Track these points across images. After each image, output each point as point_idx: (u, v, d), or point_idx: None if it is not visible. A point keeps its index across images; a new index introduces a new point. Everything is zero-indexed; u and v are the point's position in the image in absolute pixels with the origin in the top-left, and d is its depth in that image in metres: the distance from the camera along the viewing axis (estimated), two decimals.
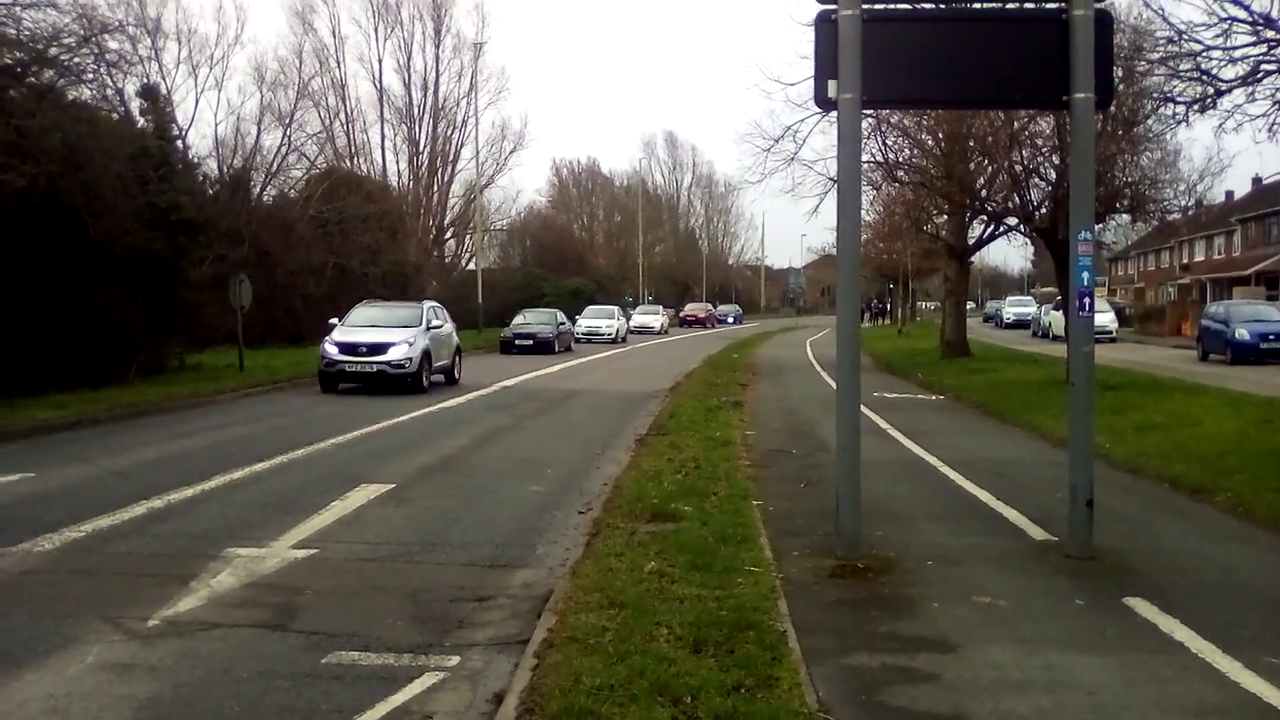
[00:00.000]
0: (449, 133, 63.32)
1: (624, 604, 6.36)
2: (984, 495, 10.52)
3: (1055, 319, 42.84)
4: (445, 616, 6.73)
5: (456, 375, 23.85)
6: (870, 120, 24.36)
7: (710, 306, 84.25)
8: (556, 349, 37.21)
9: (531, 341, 36.89)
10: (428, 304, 24.12)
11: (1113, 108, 17.90)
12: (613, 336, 46.62)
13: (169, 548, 8.45)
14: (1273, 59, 11.97)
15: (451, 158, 63.84)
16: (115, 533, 8.96)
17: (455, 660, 5.92)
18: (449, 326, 24.19)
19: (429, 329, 22.14)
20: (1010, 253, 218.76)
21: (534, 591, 7.28)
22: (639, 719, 4.76)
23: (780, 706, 4.91)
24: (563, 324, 39.94)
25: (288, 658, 5.93)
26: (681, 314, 77.53)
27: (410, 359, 20.89)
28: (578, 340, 43.67)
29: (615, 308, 51.48)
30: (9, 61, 18.60)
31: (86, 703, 5.26)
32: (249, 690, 5.43)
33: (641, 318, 60.12)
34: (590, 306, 51.56)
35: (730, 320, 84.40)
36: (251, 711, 5.18)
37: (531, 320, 39.73)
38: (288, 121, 38.47)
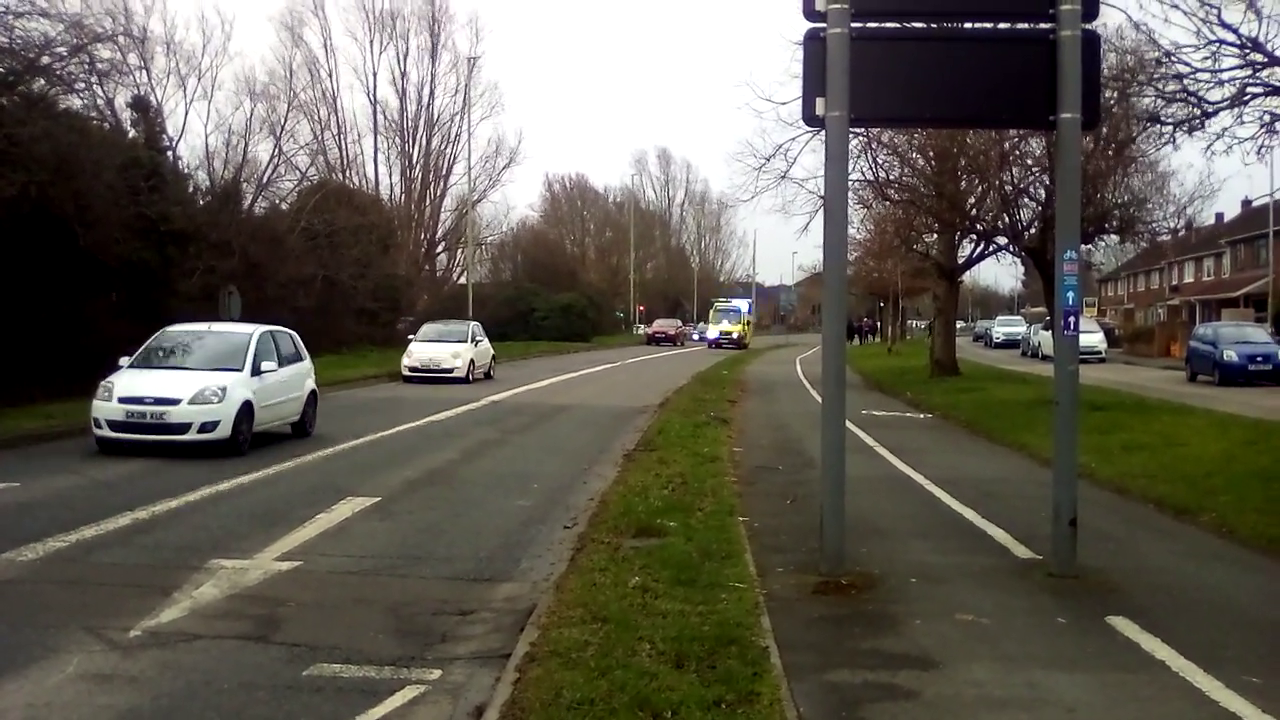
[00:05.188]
0: (442, 147, 63.38)
1: (607, 619, 6.36)
2: (969, 513, 10.54)
3: (1045, 339, 42.88)
4: (427, 630, 6.72)
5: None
6: (861, 139, 24.47)
7: (680, 322, 76.00)
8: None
9: None
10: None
11: (1104, 129, 18.01)
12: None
13: (152, 559, 8.44)
14: (1259, 81, 12.06)
15: (444, 172, 63.89)
16: (99, 543, 8.93)
17: (437, 673, 5.92)
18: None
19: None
20: (1000, 272, 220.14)
21: (517, 606, 7.27)
22: None
23: None
24: None
25: (269, 669, 5.91)
26: (650, 331, 70.54)
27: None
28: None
29: (288, 334, 17.23)
30: (1, 70, 18.61)
31: (66, 713, 5.24)
32: (230, 701, 5.42)
33: (426, 350, 29.67)
34: (216, 326, 17.43)
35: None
36: None
37: None
38: (278, 133, 38.33)
